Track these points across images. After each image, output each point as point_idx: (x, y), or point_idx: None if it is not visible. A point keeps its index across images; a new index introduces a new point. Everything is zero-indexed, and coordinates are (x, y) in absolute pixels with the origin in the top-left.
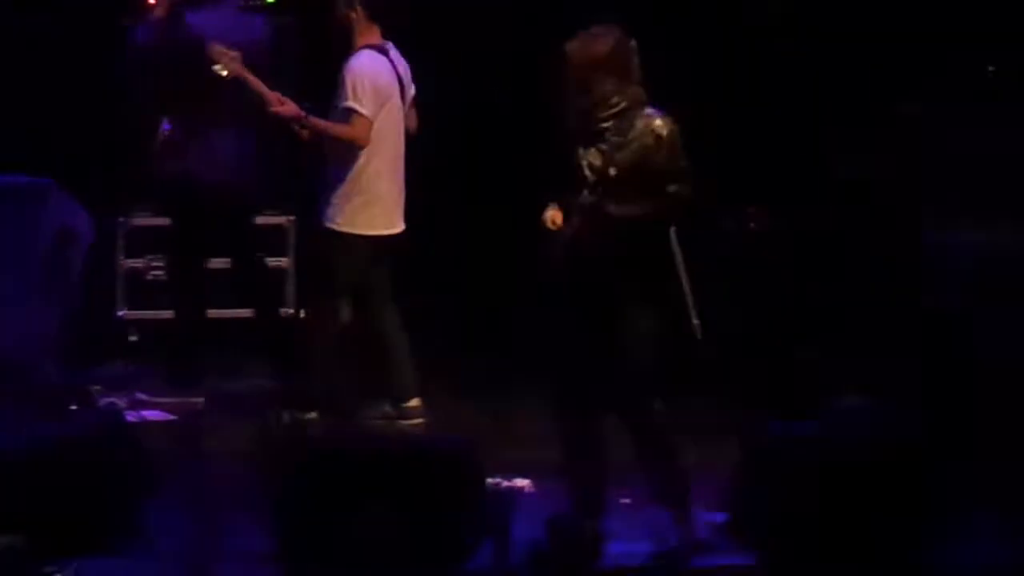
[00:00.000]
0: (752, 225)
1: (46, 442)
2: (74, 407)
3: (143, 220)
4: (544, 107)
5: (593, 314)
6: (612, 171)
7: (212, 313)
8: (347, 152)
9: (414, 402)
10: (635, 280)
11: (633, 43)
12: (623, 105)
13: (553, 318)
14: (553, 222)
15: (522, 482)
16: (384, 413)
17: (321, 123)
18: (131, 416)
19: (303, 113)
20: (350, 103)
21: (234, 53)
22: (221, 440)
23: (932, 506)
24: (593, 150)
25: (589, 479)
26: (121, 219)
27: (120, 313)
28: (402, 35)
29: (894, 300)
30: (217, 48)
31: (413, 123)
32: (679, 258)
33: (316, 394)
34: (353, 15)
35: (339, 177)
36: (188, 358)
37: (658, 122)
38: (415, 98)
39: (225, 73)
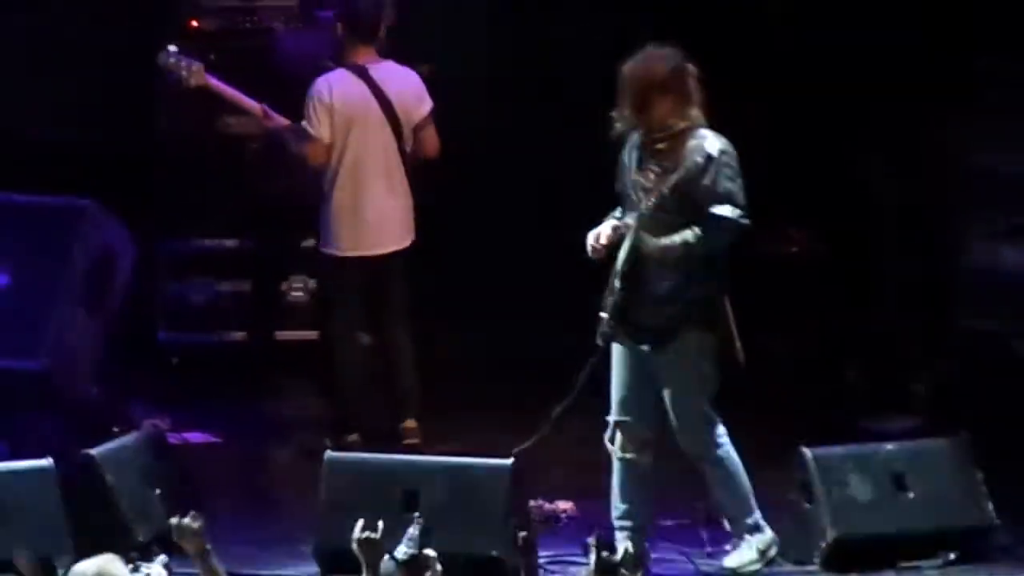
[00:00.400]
0: (793, 248)
1: (88, 461)
2: (116, 428)
3: (184, 242)
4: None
5: (648, 341)
6: (663, 189)
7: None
8: (318, 174)
9: (409, 423)
10: (688, 306)
11: (691, 65)
12: (680, 127)
13: (609, 344)
14: (597, 240)
15: (565, 504)
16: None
17: (287, 140)
18: (173, 437)
19: (286, 124)
20: (303, 122)
21: (196, 65)
22: (265, 462)
23: None
24: (645, 171)
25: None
26: (162, 241)
27: (161, 335)
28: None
29: (935, 321)
30: (174, 62)
31: (429, 144)
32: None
33: (352, 416)
34: (336, 32)
35: (320, 199)
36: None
37: (709, 143)
38: (429, 118)
39: (192, 83)
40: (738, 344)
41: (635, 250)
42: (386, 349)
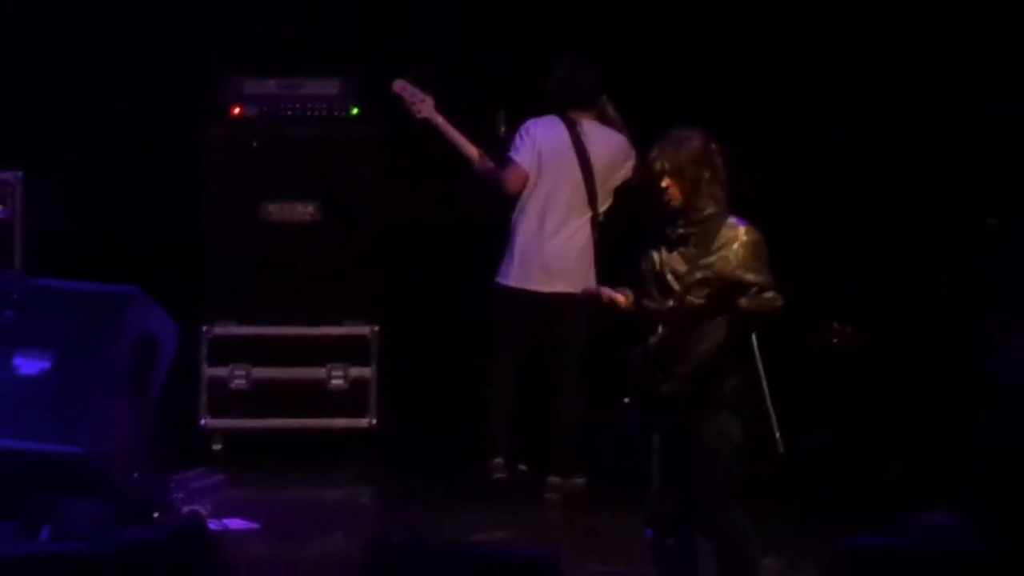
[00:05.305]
0: (835, 340)
1: (129, 548)
2: (156, 514)
3: (226, 328)
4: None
5: (676, 421)
6: (698, 275)
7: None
8: (509, 207)
9: (552, 479)
10: (717, 385)
11: (715, 145)
12: (708, 212)
13: (638, 427)
14: (611, 300)
15: None
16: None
17: (492, 177)
18: (214, 524)
19: (492, 166)
20: (509, 151)
21: (426, 96)
22: (304, 551)
23: None
24: (676, 255)
25: None
26: (204, 327)
27: (203, 421)
28: None
29: (977, 415)
30: (403, 84)
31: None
32: (760, 368)
33: (497, 440)
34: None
35: (506, 231)
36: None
37: (742, 231)
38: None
39: (421, 115)
40: (777, 433)
41: (669, 332)
42: (548, 392)
